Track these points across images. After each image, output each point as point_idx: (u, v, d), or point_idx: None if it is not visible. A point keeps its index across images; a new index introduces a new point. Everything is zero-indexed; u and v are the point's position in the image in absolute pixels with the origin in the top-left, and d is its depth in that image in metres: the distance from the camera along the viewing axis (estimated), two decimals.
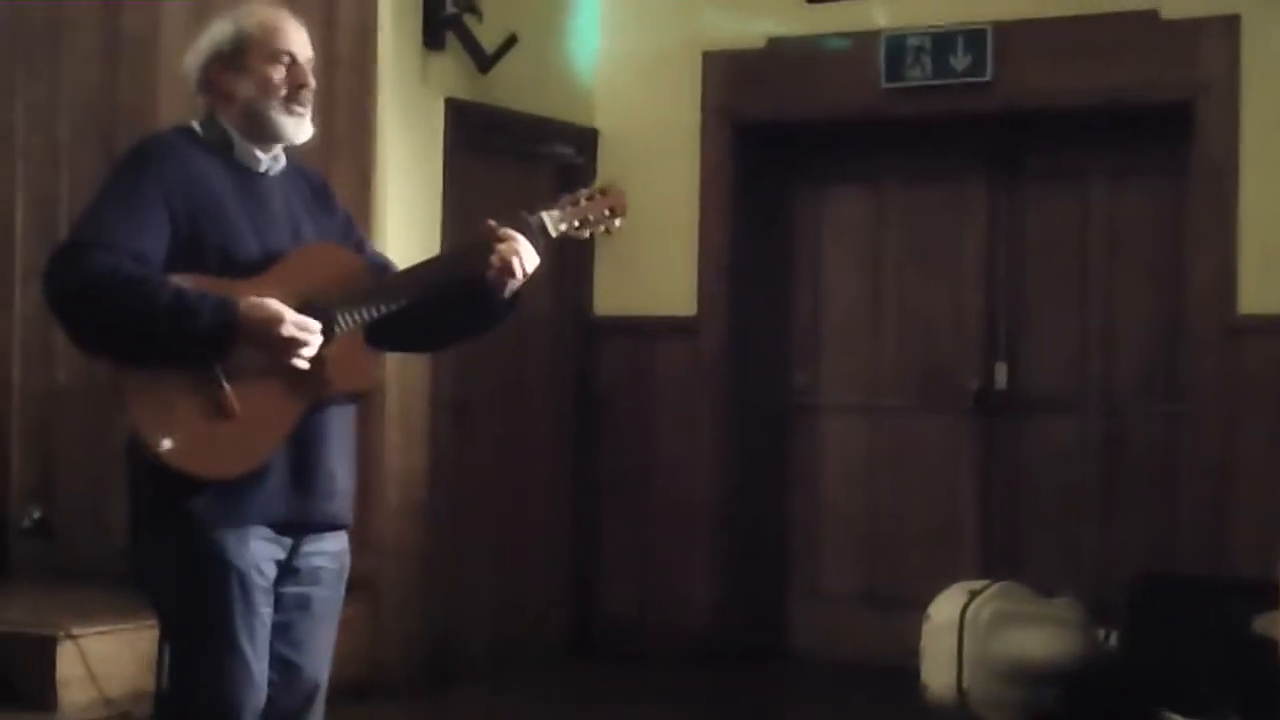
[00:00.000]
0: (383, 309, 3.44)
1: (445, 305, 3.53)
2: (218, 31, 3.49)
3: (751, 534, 7.81)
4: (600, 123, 7.88)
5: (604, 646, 7.74)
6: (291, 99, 3.46)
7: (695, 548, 7.67)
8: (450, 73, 7.12)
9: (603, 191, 3.66)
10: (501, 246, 3.45)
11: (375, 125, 6.83)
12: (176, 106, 6.77)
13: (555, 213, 3.57)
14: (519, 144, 7.57)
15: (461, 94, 7.16)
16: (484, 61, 7.15)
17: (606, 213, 3.63)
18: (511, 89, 7.33)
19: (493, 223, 3.49)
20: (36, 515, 7.31)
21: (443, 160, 7.07)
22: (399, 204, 6.87)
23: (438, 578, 7.06)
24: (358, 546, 6.45)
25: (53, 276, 3.29)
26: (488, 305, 3.54)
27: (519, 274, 3.47)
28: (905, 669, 6.53)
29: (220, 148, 3.47)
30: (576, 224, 3.60)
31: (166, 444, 3.26)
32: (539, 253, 3.51)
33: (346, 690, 6.14)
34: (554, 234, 3.56)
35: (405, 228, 6.84)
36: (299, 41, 3.50)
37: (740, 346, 7.76)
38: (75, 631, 5.71)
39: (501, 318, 3.60)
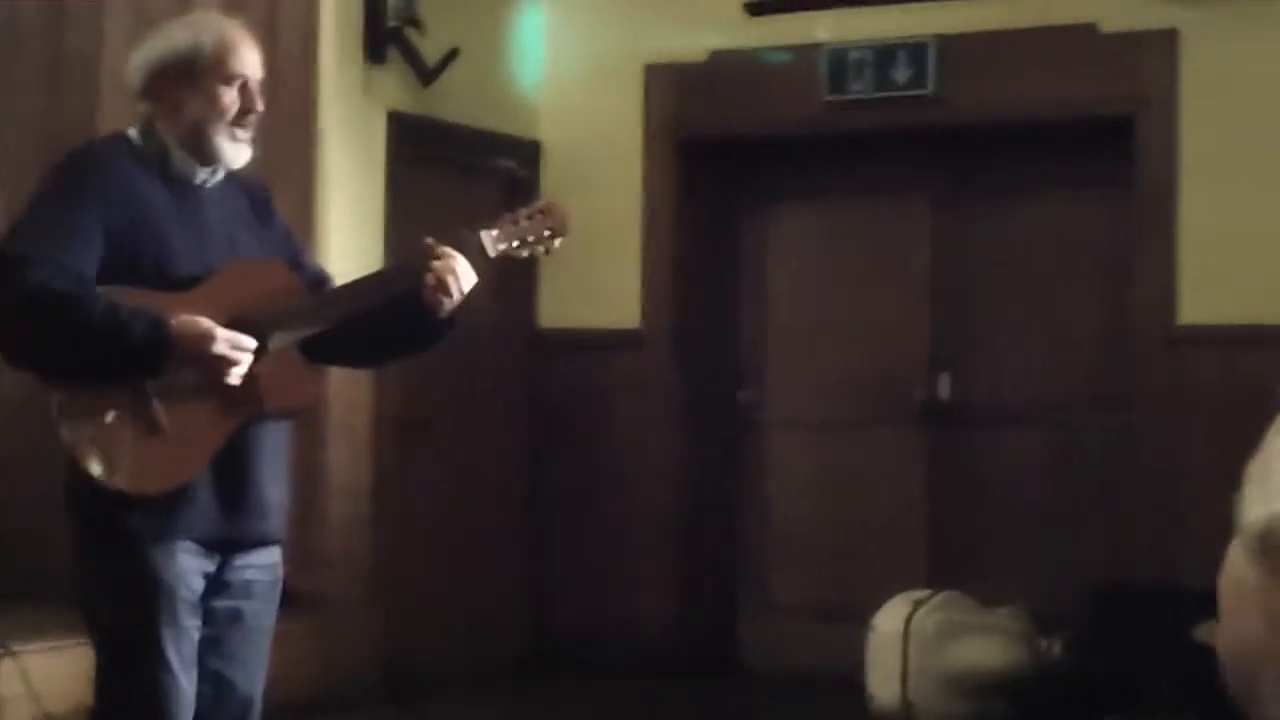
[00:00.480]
0: (317, 327, 3.41)
1: (382, 323, 3.50)
2: (174, 40, 3.45)
3: (703, 548, 7.82)
4: (544, 135, 7.88)
5: (558, 661, 7.71)
6: (237, 123, 3.43)
7: (648, 561, 7.66)
8: (392, 86, 7.10)
9: (543, 211, 3.61)
10: (438, 265, 3.41)
11: (317, 138, 6.81)
12: (118, 126, 6.75)
13: (494, 232, 3.52)
14: (462, 157, 7.55)
15: (404, 107, 7.14)
16: (426, 74, 7.14)
17: (546, 233, 3.58)
18: (454, 102, 7.32)
19: (430, 240, 3.46)
20: None
21: (385, 173, 7.06)
22: (341, 217, 6.85)
23: (388, 593, 7.04)
24: (304, 561, 6.50)
25: None
26: (424, 324, 3.51)
27: (455, 294, 3.42)
28: (855, 681, 6.54)
29: (156, 158, 3.44)
30: (516, 244, 3.55)
31: (95, 460, 3.25)
32: (478, 272, 3.47)
33: (296, 708, 6.12)
34: (492, 254, 3.51)
35: (347, 241, 6.82)
36: (253, 64, 3.47)
37: (687, 360, 7.77)
38: (16, 648, 5.65)
39: (439, 337, 3.57)
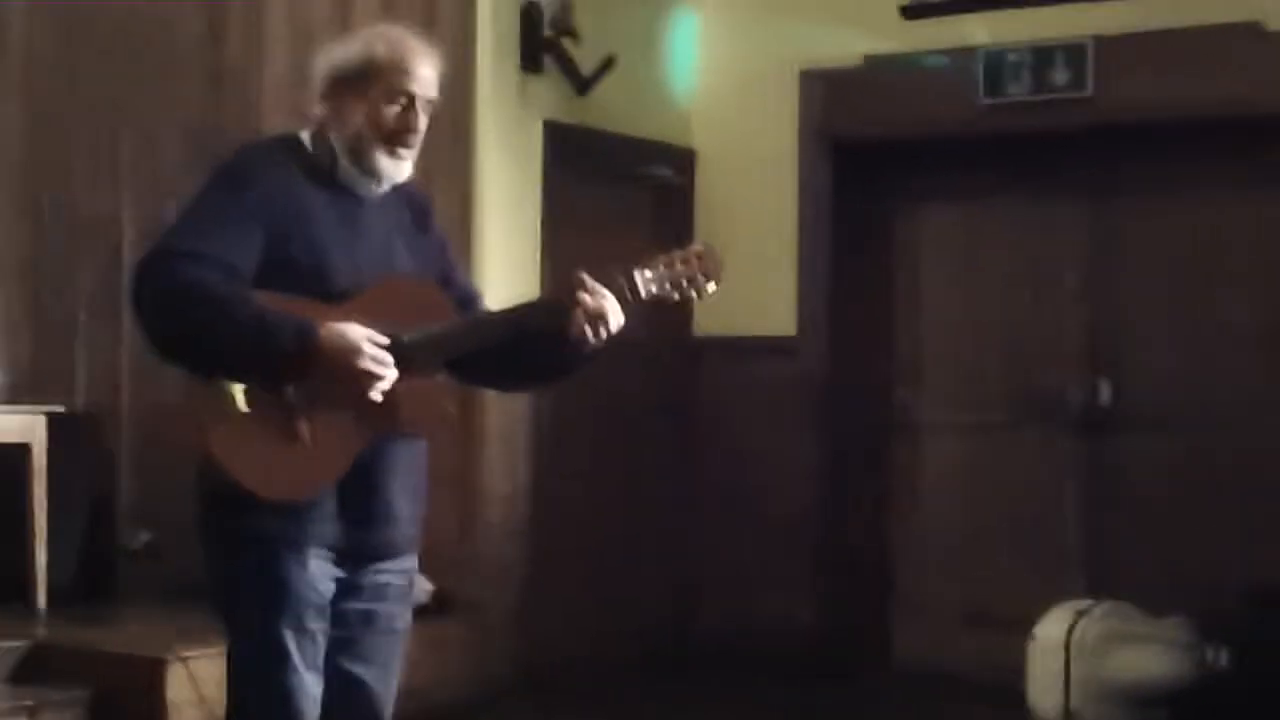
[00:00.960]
0: (461, 351, 3.40)
1: (525, 351, 3.49)
2: (351, 48, 3.45)
3: (852, 551, 7.78)
4: (698, 143, 7.89)
5: (704, 665, 7.72)
6: (395, 141, 3.43)
7: (795, 566, 7.64)
8: (548, 95, 7.15)
9: (699, 255, 3.56)
10: (589, 305, 3.40)
11: (474, 148, 6.88)
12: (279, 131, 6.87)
13: (648, 273, 3.49)
14: (617, 165, 7.58)
15: (559, 116, 7.19)
16: (581, 84, 7.18)
17: (701, 276, 3.54)
18: (609, 111, 7.35)
19: (583, 277, 3.44)
20: (144, 538, 7.39)
21: (540, 182, 7.11)
22: (497, 226, 6.90)
23: (539, 598, 7.08)
24: (461, 569, 6.57)
25: (140, 280, 3.28)
26: (565, 358, 3.51)
27: (601, 335, 3.42)
28: (1006, 687, 6.47)
29: (324, 163, 3.44)
30: (668, 286, 3.52)
31: (231, 463, 3.28)
32: (626, 313, 3.45)
33: (449, 711, 6.19)
34: (644, 296, 3.49)
35: (504, 250, 6.87)
36: (424, 82, 3.46)
37: (839, 365, 7.74)
38: (184, 654, 5.76)
39: (578, 369, 3.57)
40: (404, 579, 3.54)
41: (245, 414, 3.27)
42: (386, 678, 3.53)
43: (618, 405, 7.66)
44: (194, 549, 7.37)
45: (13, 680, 5.91)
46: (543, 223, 7.07)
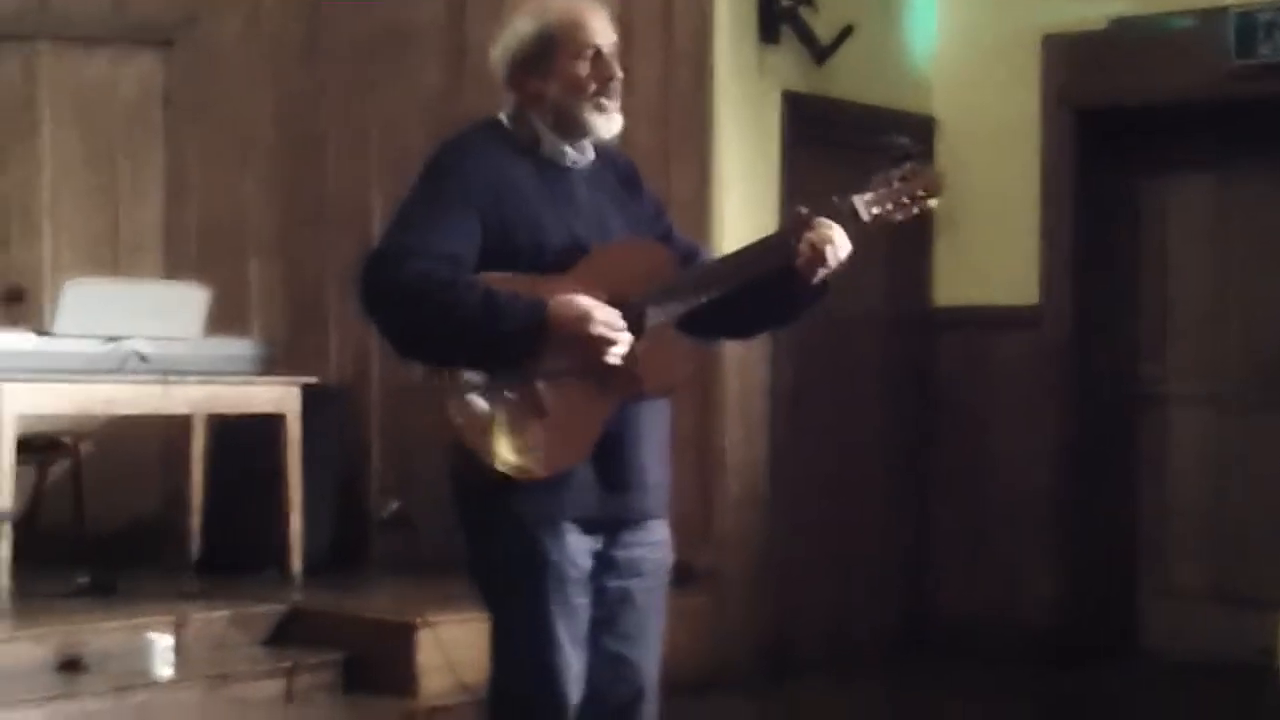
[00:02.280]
0: (692, 303, 3.38)
1: (754, 294, 3.43)
2: (521, 30, 3.46)
3: (1095, 528, 7.64)
4: (938, 111, 7.81)
5: (939, 643, 7.66)
6: (600, 94, 3.42)
7: (1035, 542, 7.53)
8: (786, 65, 7.14)
9: (915, 172, 3.49)
10: (812, 235, 3.36)
11: (712, 121, 6.89)
12: None
13: (867, 196, 3.43)
14: (856, 135, 7.51)
15: (798, 86, 7.17)
16: (820, 53, 7.15)
17: (921, 192, 3.47)
18: (848, 80, 7.32)
19: (803, 209, 3.41)
20: (394, 507, 7.58)
21: (779, 152, 7.10)
22: (736, 197, 6.91)
23: (776, 571, 7.09)
24: (699, 539, 6.61)
25: (365, 283, 3.31)
26: (797, 294, 3.45)
27: (831, 263, 3.37)
28: (1259, 667, 6.31)
29: (528, 143, 3.45)
30: (889, 206, 3.45)
31: (482, 444, 3.28)
32: (852, 238, 3.39)
33: (688, 685, 6.22)
34: (866, 219, 3.43)
35: (743, 222, 6.88)
36: (602, 32, 3.45)
37: (1083, 336, 7.61)
38: (433, 619, 5.90)
39: (811, 305, 3.50)
40: (657, 552, 3.53)
41: (489, 395, 3.28)
42: (649, 653, 3.54)
43: (856, 376, 7.63)
44: (440, 518, 7.55)
45: (270, 643, 6.12)
46: (782, 194, 7.06)
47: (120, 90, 8.01)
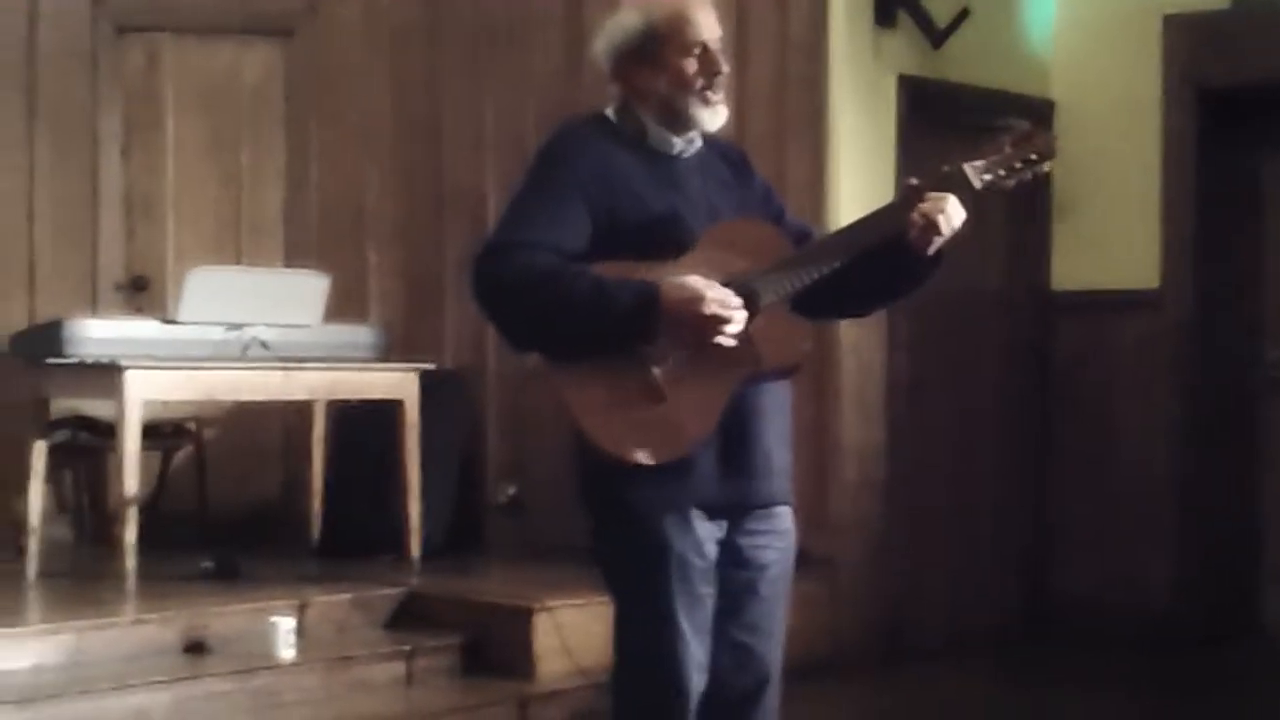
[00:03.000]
0: (805, 279, 3.33)
1: (867, 269, 3.38)
2: (626, 24, 3.44)
3: (1217, 512, 7.54)
4: (1056, 94, 7.72)
5: (1059, 627, 7.59)
6: (706, 88, 3.41)
7: (1155, 526, 7.45)
8: (902, 49, 7.09)
9: (1027, 136, 3.41)
10: (924, 206, 3.30)
11: (828, 106, 6.86)
12: None
13: (978, 163, 3.36)
14: (972, 119, 7.45)
15: (914, 70, 7.13)
16: (936, 37, 7.10)
17: (1033, 156, 3.39)
18: (964, 63, 7.26)
19: (914, 180, 3.36)
20: (510, 492, 7.64)
21: (895, 137, 7.06)
22: (852, 183, 6.88)
23: (894, 557, 7.07)
24: (815, 524, 6.61)
25: (477, 278, 3.31)
26: (911, 267, 3.40)
27: (945, 231, 3.31)
28: None
29: (634, 135, 3.44)
30: (1002, 173, 3.37)
31: (602, 432, 3.28)
32: (964, 205, 3.33)
33: (805, 668, 6.21)
34: (978, 186, 3.35)
35: (858, 207, 6.79)
36: (708, 26, 3.43)
37: (1205, 319, 7.50)
38: (550, 603, 5.94)
39: (926, 278, 3.45)
40: (782, 541, 3.51)
41: (607, 383, 3.29)
42: (773, 642, 3.53)
43: (973, 360, 7.58)
44: (556, 503, 7.60)
45: (390, 626, 6.19)
46: (897, 178, 7.02)
47: (242, 80, 8.13)
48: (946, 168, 3.37)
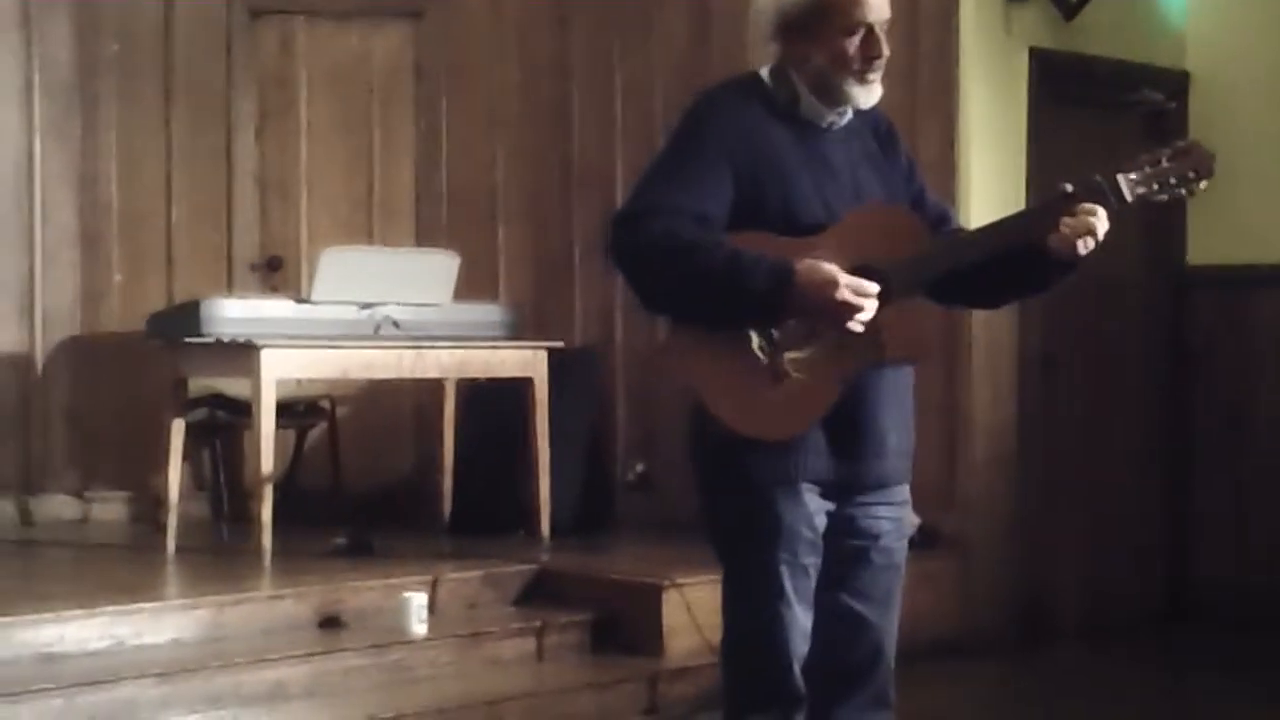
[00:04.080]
0: (940, 273, 3.35)
1: (1002, 265, 3.39)
2: None
3: None
4: (1191, 65, 7.59)
5: (1199, 612, 7.48)
6: (865, 69, 3.40)
7: None
8: (1034, 22, 7.01)
9: (1186, 151, 3.38)
10: (1072, 220, 3.29)
11: (958, 80, 6.80)
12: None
13: (1133, 175, 3.34)
14: (1105, 92, 7.38)
15: (1045, 43, 7.04)
16: (1069, 9, 7.01)
17: (1190, 174, 3.36)
18: (1097, 35, 7.16)
19: (1067, 187, 3.34)
20: (639, 469, 7.66)
21: (1026, 110, 6.98)
22: (982, 156, 6.82)
23: (1026, 536, 7.00)
24: (944, 503, 6.57)
25: (616, 240, 3.34)
26: (1049, 271, 3.40)
27: (1091, 244, 3.30)
28: None
29: (786, 102, 3.43)
30: (1155, 187, 3.35)
31: (721, 403, 3.31)
32: (1111, 217, 3.32)
33: (939, 646, 6.20)
34: (1130, 199, 3.33)
35: (989, 181, 6.79)
36: (876, 8, 3.42)
37: None
38: (679, 581, 5.96)
39: (1062, 280, 3.44)
40: (897, 512, 3.54)
41: (732, 356, 3.31)
42: (887, 613, 3.54)
43: (1106, 338, 7.48)
44: (684, 480, 7.62)
45: (520, 602, 6.23)
46: (1028, 152, 6.95)
47: (373, 61, 8.20)
48: (1099, 177, 3.35)
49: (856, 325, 3.26)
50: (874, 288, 3.26)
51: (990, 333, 6.79)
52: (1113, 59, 7.25)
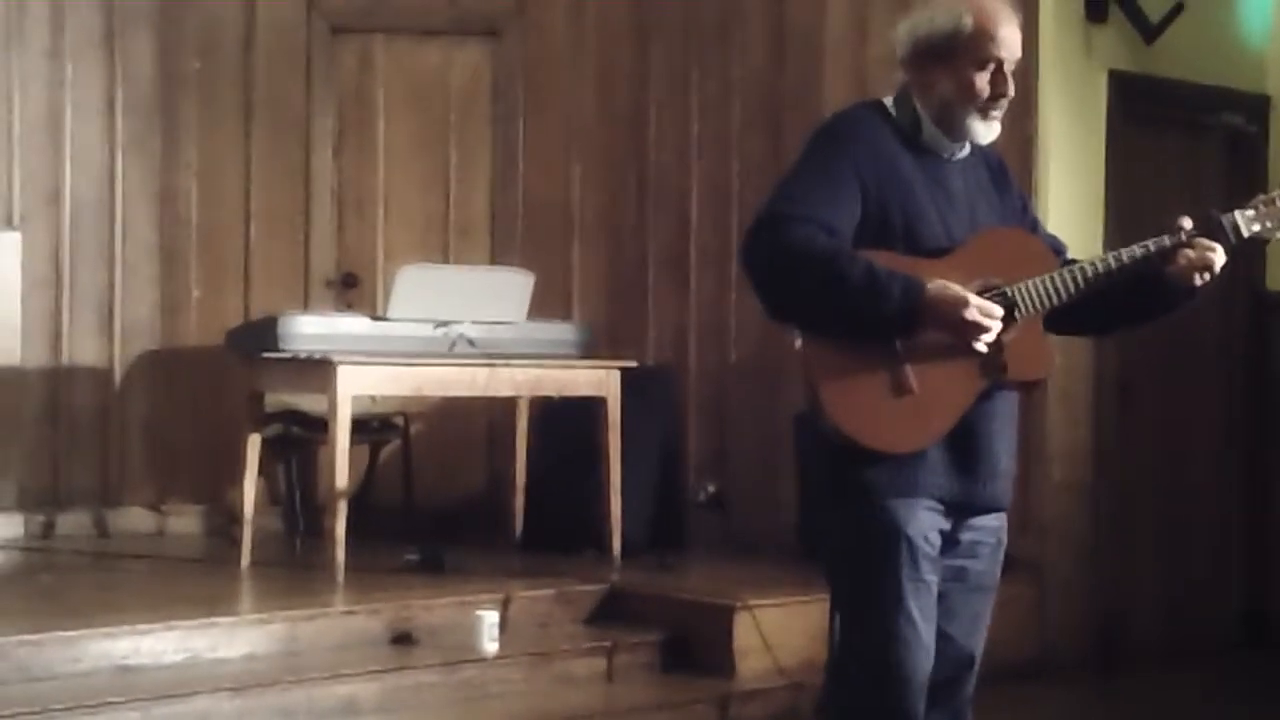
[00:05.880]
0: (1063, 298, 3.41)
1: (1121, 294, 3.48)
2: (937, 19, 3.45)
3: None
4: (1272, 89, 7.53)
5: (1276, 642, 7.38)
6: (989, 105, 3.45)
7: None
8: (1113, 44, 6.97)
9: None
10: (1191, 254, 3.41)
11: (1037, 102, 6.77)
12: (840, 94, 6.96)
13: (1249, 213, 3.47)
14: (1185, 115, 7.33)
15: (1125, 65, 7.00)
16: (1149, 32, 6.97)
17: None
18: (1177, 58, 7.11)
19: (1186, 223, 3.43)
20: (711, 489, 7.64)
21: (1105, 133, 6.94)
22: (1061, 178, 6.79)
23: (1102, 560, 6.95)
24: (1020, 526, 6.51)
25: (752, 245, 3.38)
26: (1165, 303, 3.51)
27: (1208, 279, 3.43)
28: None
29: (908, 128, 3.49)
30: (1270, 224, 3.49)
31: (846, 415, 3.35)
32: (1225, 252, 3.43)
33: (1014, 670, 6.15)
34: (1245, 235, 3.47)
35: (1068, 203, 6.76)
36: (1010, 45, 3.44)
37: None
38: (751, 602, 5.94)
39: (1178, 309, 3.54)
40: (994, 536, 3.56)
41: (856, 368, 3.36)
42: (974, 633, 3.56)
43: (1184, 362, 7.41)
44: (758, 500, 7.61)
45: (591, 621, 6.23)
46: (1107, 175, 6.91)
47: (451, 79, 8.25)
48: (1215, 212, 3.46)
49: (981, 345, 3.33)
50: (1000, 310, 3.33)
51: (1068, 359, 6.73)
52: (1192, 82, 7.20)
